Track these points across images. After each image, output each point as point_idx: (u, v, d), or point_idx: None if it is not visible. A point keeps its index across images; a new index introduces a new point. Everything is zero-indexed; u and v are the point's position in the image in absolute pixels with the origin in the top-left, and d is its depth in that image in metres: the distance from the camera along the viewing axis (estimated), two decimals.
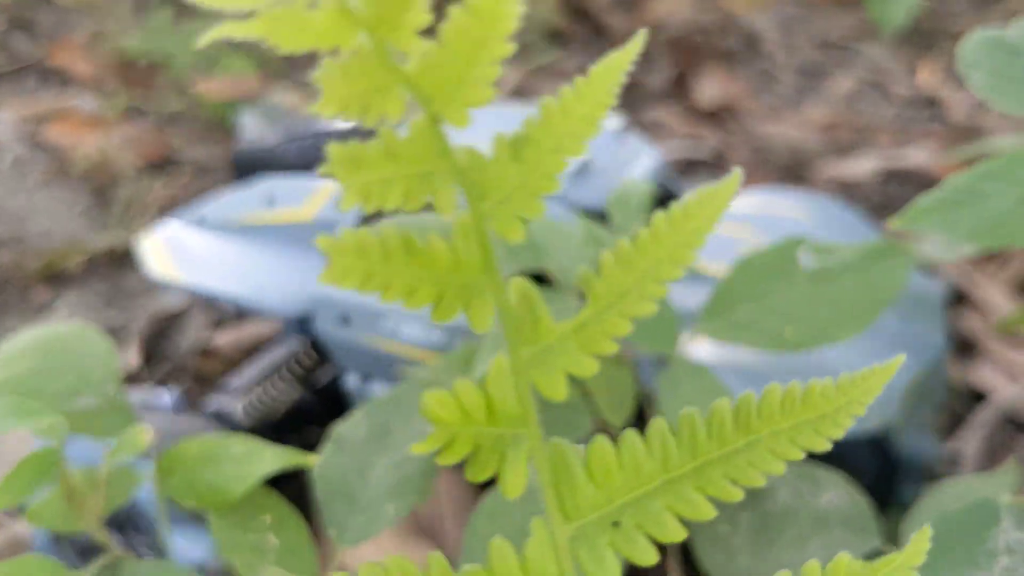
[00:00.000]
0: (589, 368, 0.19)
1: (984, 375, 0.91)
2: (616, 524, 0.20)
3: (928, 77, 1.50)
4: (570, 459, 0.20)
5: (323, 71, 0.18)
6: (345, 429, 0.50)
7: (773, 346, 0.51)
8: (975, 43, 0.45)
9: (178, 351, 0.88)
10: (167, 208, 1.08)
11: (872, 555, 0.46)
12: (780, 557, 0.47)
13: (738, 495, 0.19)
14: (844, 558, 0.20)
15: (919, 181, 1.17)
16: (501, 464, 0.19)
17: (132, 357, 0.89)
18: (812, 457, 0.59)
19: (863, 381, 0.19)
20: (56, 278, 1.00)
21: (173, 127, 1.21)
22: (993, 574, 0.35)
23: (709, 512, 0.19)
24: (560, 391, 0.19)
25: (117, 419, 0.48)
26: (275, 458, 0.46)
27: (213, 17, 1.35)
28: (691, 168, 1.21)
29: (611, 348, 0.19)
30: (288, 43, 0.17)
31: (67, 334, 0.51)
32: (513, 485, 0.20)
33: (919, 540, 0.19)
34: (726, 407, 0.19)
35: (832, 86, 1.50)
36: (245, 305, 0.67)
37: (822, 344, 0.51)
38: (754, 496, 0.50)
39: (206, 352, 0.86)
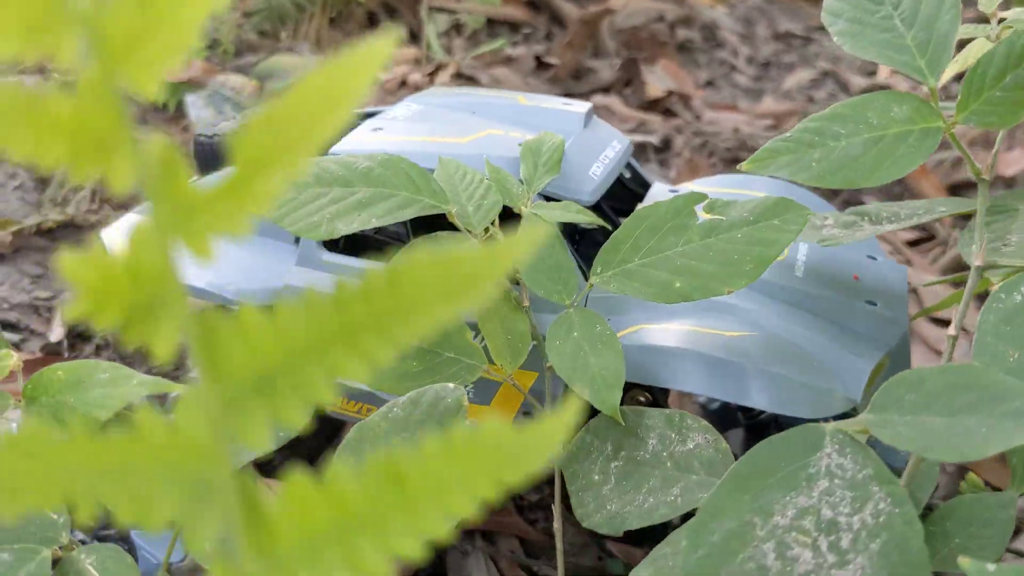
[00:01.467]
0: (241, 226, 0.19)
1: (915, 358, 0.91)
2: (271, 388, 0.20)
3: (888, 69, 1.50)
4: (220, 323, 0.20)
5: None
6: None
7: (662, 298, 0.52)
8: None
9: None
10: (103, 190, 1.08)
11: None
12: (644, 502, 0.47)
13: (389, 357, 0.19)
14: (493, 423, 0.19)
15: None
16: (153, 330, 0.19)
17: (56, 332, 0.89)
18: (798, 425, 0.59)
19: (503, 255, 0.18)
20: None
21: None
22: (812, 496, 0.35)
23: (364, 375, 0.19)
24: (206, 251, 0.19)
25: None
26: (142, 383, 0.46)
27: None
28: (639, 151, 1.21)
29: (260, 209, 0.19)
30: None
31: None
32: (163, 350, 0.19)
33: (570, 402, 0.19)
34: (380, 272, 0.19)
35: (790, 77, 1.50)
36: (206, 296, 0.66)
37: (709, 296, 0.51)
38: (627, 445, 0.50)
39: None
